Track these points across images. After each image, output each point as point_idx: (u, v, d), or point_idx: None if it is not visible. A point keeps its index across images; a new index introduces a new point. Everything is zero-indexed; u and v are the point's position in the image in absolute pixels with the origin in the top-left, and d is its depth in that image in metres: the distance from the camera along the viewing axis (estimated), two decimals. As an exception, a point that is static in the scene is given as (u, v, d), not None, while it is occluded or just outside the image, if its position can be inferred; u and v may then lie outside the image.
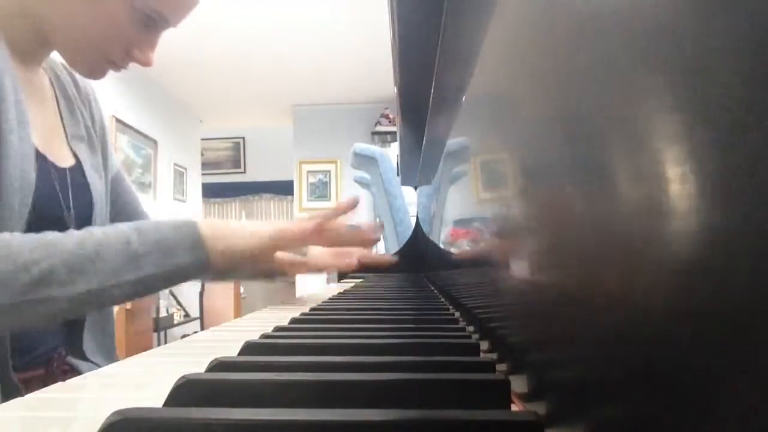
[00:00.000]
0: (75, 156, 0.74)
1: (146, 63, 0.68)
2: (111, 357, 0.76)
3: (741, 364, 0.09)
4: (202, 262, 0.62)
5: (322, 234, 0.72)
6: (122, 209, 0.84)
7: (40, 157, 0.65)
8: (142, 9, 0.63)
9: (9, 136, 0.59)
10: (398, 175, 1.68)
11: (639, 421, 0.14)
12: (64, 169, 0.70)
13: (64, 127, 0.74)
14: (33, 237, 0.53)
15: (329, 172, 5.14)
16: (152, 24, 0.66)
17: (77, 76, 0.81)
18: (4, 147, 0.58)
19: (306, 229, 0.70)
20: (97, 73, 0.68)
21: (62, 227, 0.64)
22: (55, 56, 0.72)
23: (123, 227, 0.59)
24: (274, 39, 3.79)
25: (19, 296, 0.50)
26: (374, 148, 2.07)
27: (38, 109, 0.70)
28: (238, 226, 0.67)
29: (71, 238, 0.55)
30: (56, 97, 0.75)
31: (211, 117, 5.46)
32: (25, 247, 0.52)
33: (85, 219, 0.71)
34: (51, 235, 0.54)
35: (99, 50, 0.65)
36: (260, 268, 0.75)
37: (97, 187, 0.75)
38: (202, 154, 5.64)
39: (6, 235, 0.53)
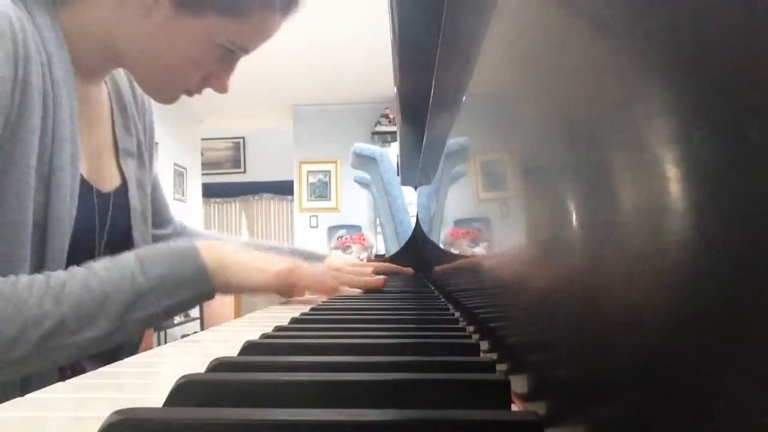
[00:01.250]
0: (122, 175, 0.73)
1: (222, 90, 0.67)
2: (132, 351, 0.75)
3: (741, 364, 0.09)
4: (206, 294, 0.61)
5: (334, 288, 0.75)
6: (153, 217, 0.83)
7: (85, 186, 0.64)
8: (223, 43, 0.63)
9: (60, 173, 0.58)
10: (398, 175, 1.68)
11: (639, 421, 0.14)
12: (106, 195, 0.69)
13: (116, 144, 0.73)
14: (40, 283, 0.52)
15: (329, 172, 5.14)
16: (230, 55, 0.65)
17: (135, 84, 0.79)
18: (54, 186, 0.57)
19: (322, 289, 0.74)
20: (170, 99, 0.68)
21: (91, 256, 0.63)
22: None
23: (126, 261, 0.57)
24: (274, 39, 3.78)
25: (32, 349, 0.50)
26: (374, 148, 2.07)
27: (92, 127, 0.69)
28: (247, 259, 0.66)
29: (76, 279, 0.54)
30: (112, 110, 0.74)
31: (211, 117, 5.46)
32: (34, 298, 0.51)
33: (121, 242, 0.70)
34: (56, 279, 0.53)
35: (176, 79, 0.65)
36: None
37: (137, 206, 0.74)
38: (202, 154, 5.64)
39: (12, 281, 0.51)
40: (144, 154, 0.79)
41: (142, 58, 0.64)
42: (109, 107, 0.74)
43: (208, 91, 0.70)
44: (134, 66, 0.65)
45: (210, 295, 0.61)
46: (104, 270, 0.56)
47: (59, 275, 0.54)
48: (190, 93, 0.68)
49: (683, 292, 0.11)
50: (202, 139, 5.64)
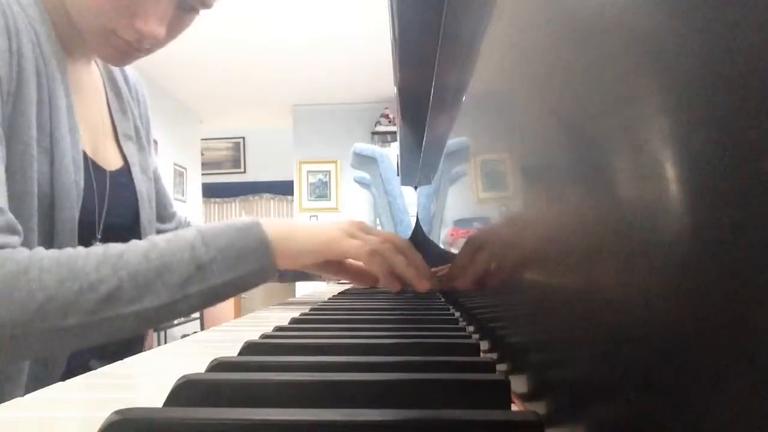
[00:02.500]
0: (123, 157, 0.73)
1: (153, 35, 0.62)
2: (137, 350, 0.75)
3: (741, 364, 0.09)
4: (269, 266, 0.59)
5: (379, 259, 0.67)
6: (156, 209, 0.83)
7: (87, 162, 0.64)
8: None
9: (61, 143, 0.58)
10: (398, 175, 1.68)
11: (639, 421, 0.14)
12: (106, 172, 0.69)
13: (114, 126, 0.73)
14: (97, 252, 0.52)
15: (329, 172, 5.14)
16: None
17: (128, 71, 0.79)
18: (57, 157, 0.57)
19: (384, 278, 0.68)
20: (119, 56, 0.64)
21: (91, 235, 0.63)
22: None
23: (186, 234, 0.56)
24: (274, 39, 3.79)
25: (88, 316, 0.49)
26: (374, 148, 2.07)
27: (88, 107, 0.69)
28: (307, 227, 0.65)
29: (135, 249, 0.53)
30: (107, 94, 0.74)
31: (211, 117, 5.46)
32: (91, 264, 0.50)
33: (129, 224, 0.70)
34: (115, 248, 0.53)
35: (104, 22, 0.62)
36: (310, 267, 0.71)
37: (143, 189, 0.73)
38: (202, 154, 5.64)
39: (69, 251, 0.51)
40: (143, 140, 0.78)
41: (77, 10, 0.62)
42: (103, 92, 0.74)
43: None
44: (79, 22, 0.63)
45: (273, 267, 0.60)
46: (164, 242, 0.55)
47: (117, 245, 0.53)
48: (129, 46, 0.63)
49: (683, 292, 0.11)
50: (202, 139, 5.64)
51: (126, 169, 0.72)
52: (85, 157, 0.64)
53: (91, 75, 0.72)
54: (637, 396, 0.14)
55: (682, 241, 0.11)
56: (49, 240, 0.57)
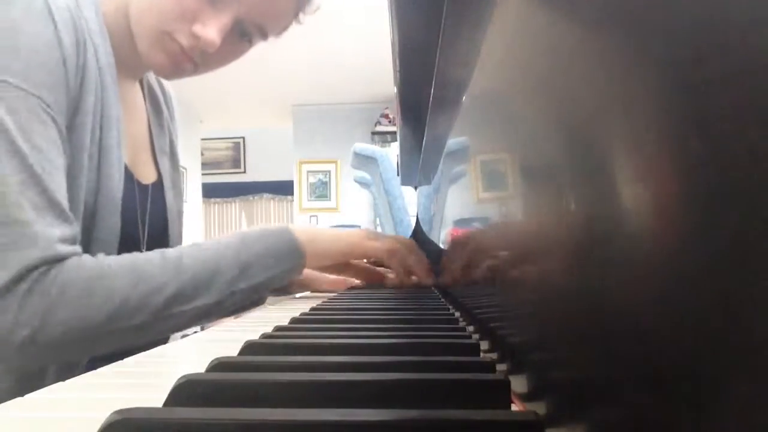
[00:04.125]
0: (158, 171, 0.76)
1: (210, 41, 0.63)
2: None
3: (741, 364, 0.09)
4: (300, 265, 0.69)
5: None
6: None
7: (127, 174, 0.67)
8: None
9: (110, 155, 0.61)
10: (398, 175, 1.68)
11: (639, 421, 0.14)
12: (146, 186, 0.73)
13: (152, 141, 0.77)
14: (156, 256, 0.57)
15: (329, 172, 5.14)
16: None
17: (165, 87, 0.84)
18: (105, 167, 0.61)
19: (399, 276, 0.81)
20: (170, 65, 0.66)
21: (136, 247, 0.67)
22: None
23: (228, 240, 0.64)
24: (274, 39, 3.78)
25: (152, 317, 0.54)
26: (374, 148, 2.07)
27: (131, 122, 0.72)
28: (331, 231, 0.76)
29: (189, 253, 0.59)
30: (147, 110, 0.77)
31: (211, 117, 5.46)
32: (154, 269, 0.56)
33: (158, 237, 0.74)
34: (170, 253, 0.58)
35: (163, 24, 0.63)
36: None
37: (173, 204, 0.78)
38: (202, 154, 5.64)
39: (129, 257, 0.56)
40: (176, 156, 0.83)
41: (139, 11, 0.64)
42: (144, 108, 0.77)
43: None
44: (134, 22, 0.65)
45: (302, 266, 0.70)
46: (213, 246, 0.62)
47: (172, 251, 0.60)
48: (184, 54, 0.65)
49: (683, 292, 0.11)
50: (202, 139, 5.64)
51: (160, 184, 0.76)
52: (126, 169, 0.67)
53: (135, 91, 0.75)
54: (637, 396, 0.14)
55: (682, 241, 0.11)
56: (86, 249, 0.59)
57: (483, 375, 0.25)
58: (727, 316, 0.10)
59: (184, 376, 0.24)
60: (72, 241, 0.54)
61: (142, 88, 0.78)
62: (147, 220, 0.72)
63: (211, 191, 6.05)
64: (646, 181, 0.13)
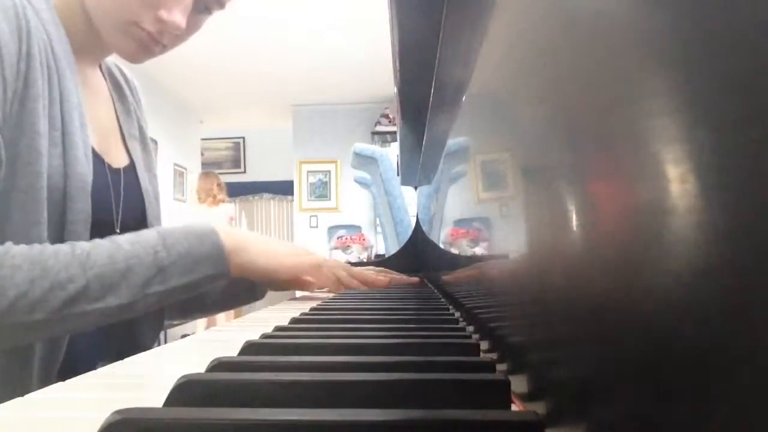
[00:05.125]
0: (129, 156, 0.76)
1: (175, 27, 0.64)
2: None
3: (741, 364, 0.09)
4: (222, 274, 0.63)
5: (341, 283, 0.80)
6: None
7: (97, 158, 0.66)
8: None
9: (74, 137, 0.60)
10: (398, 175, 1.68)
11: (639, 421, 0.14)
12: (118, 170, 0.72)
13: (120, 126, 0.76)
14: (66, 251, 0.54)
15: (329, 172, 5.14)
16: None
17: (127, 74, 0.83)
18: (70, 150, 0.60)
19: (333, 285, 0.78)
20: (139, 50, 0.66)
21: (110, 230, 0.66)
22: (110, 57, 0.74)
23: (149, 237, 0.60)
24: (274, 39, 3.79)
25: (55, 313, 0.51)
26: (374, 148, 2.07)
27: (95, 108, 0.71)
28: (261, 242, 0.69)
29: (101, 250, 0.56)
30: (112, 96, 0.77)
31: (211, 117, 5.46)
32: (60, 263, 0.53)
33: (135, 221, 0.73)
34: (81, 247, 0.55)
35: (127, 14, 0.64)
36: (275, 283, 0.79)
37: (148, 188, 0.77)
38: (202, 154, 5.64)
39: (39, 248, 0.53)
40: (146, 140, 0.82)
41: (97, 2, 0.64)
42: (108, 94, 0.77)
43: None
44: (97, 18, 0.65)
45: (226, 274, 0.64)
46: (128, 243, 0.58)
47: (84, 245, 0.56)
48: (151, 38, 0.66)
49: (683, 292, 0.11)
50: (202, 139, 5.64)
51: (132, 168, 0.75)
52: (96, 153, 0.66)
53: (97, 77, 0.75)
54: (637, 396, 0.14)
55: (682, 241, 0.11)
56: (59, 232, 0.59)
57: (483, 375, 0.25)
58: (727, 316, 0.10)
59: (184, 376, 0.24)
60: None
61: (104, 75, 0.77)
62: (121, 204, 0.70)
63: (211, 191, 6.04)
64: (646, 181, 0.13)
